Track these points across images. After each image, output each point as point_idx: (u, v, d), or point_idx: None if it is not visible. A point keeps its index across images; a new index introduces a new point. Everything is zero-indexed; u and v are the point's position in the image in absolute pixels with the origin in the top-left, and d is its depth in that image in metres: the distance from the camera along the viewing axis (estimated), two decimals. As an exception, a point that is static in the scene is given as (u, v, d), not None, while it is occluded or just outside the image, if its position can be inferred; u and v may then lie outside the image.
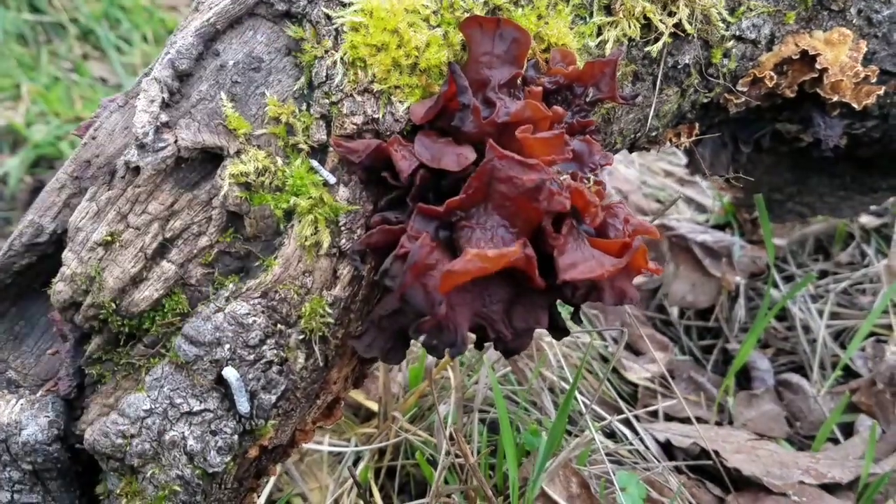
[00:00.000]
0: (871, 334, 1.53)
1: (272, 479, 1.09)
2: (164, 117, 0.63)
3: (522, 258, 0.59)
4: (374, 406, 1.22)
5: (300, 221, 0.64)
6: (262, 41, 0.67)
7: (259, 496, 0.88)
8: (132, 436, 0.63)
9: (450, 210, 0.63)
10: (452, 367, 1.19)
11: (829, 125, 0.91)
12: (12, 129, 2.19)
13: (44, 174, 2.15)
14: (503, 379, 1.31)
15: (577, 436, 1.21)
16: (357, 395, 1.25)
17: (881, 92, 0.88)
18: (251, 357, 0.63)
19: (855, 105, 0.88)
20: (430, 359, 1.21)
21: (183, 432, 0.63)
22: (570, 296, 0.64)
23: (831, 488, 1.19)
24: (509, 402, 1.27)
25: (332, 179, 0.66)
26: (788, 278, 1.71)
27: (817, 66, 0.84)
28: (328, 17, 0.65)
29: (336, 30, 0.65)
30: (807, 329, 1.58)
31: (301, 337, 0.65)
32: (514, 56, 0.67)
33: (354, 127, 0.66)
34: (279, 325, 0.64)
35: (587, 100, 0.69)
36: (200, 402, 0.62)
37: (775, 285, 1.64)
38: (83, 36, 2.64)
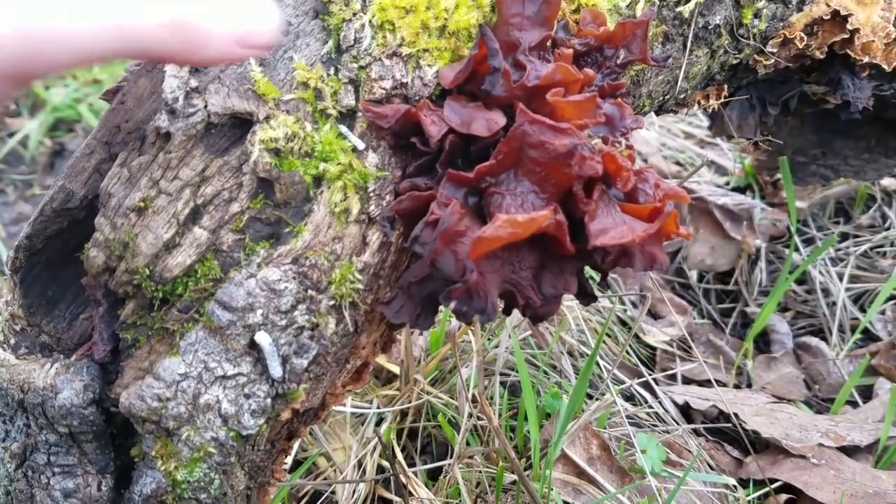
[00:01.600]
0: (891, 297, 1.53)
1: (298, 440, 1.11)
2: (193, 82, 0.63)
3: (553, 223, 0.59)
4: (395, 369, 1.24)
5: (329, 188, 0.64)
6: (290, 3, 0.66)
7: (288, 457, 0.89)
8: (168, 399, 0.64)
9: (480, 176, 0.62)
10: (473, 332, 1.20)
11: (858, 87, 0.90)
12: (31, 92, 2.18)
13: (63, 137, 2.15)
14: (523, 343, 1.32)
15: (597, 399, 1.22)
16: (379, 358, 1.26)
17: (913, 53, 0.87)
18: (283, 322, 0.63)
19: (885, 66, 0.87)
20: (453, 323, 1.22)
21: (217, 395, 0.63)
22: (601, 262, 0.64)
23: (850, 451, 1.20)
24: (529, 365, 1.28)
25: (360, 145, 0.65)
26: (808, 241, 1.70)
27: (849, 26, 0.82)
28: (358, -20, 0.64)
29: (364, -8, 0.65)
30: (826, 292, 1.58)
31: (332, 303, 0.65)
32: (544, 17, 0.66)
33: (383, 91, 0.65)
34: (310, 291, 0.64)
35: (618, 62, 0.68)
36: (234, 366, 0.63)
37: (796, 249, 1.63)
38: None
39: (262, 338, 0.63)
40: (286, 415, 0.66)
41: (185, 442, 0.64)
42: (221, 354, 0.63)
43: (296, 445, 1.07)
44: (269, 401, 0.64)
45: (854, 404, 1.36)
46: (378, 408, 1.19)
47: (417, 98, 0.66)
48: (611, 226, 0.61)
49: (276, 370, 0.64)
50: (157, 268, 0.63)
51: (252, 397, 0.64)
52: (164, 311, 0.65)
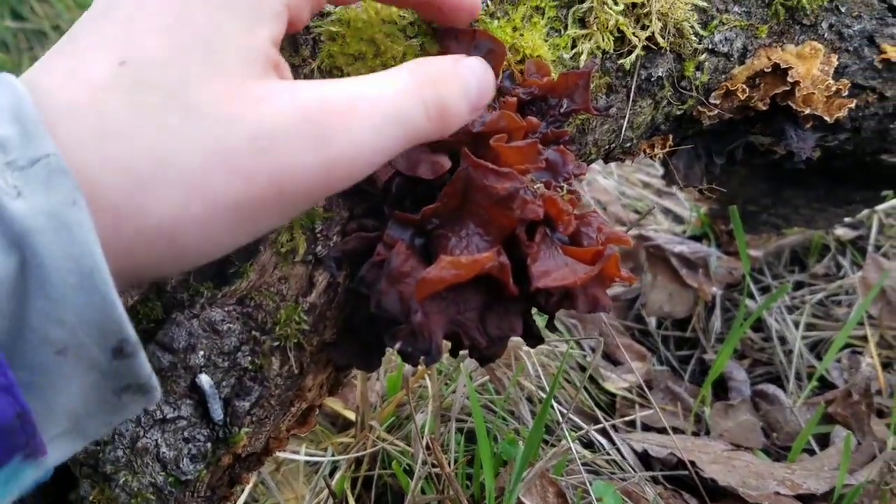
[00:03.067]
0: (847, 346, 1.55)
1: (247, 489, 1.09)
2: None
3: (496, 265, 0.60)
4: (351, 415, 1.22)
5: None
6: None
7: (234, 505, 0.87)
8: (105, 442, 0.63)
9: (425, 217, 0.63)
10: (430, 376, 1.19)
11: (801, 137, 0.93)
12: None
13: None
14: (481, 388, 1.31)
15: (554, 445, 1.22)
16: (334, 404, 1.25)
17: (853, 105, 0.90)
18: (225, 364, 0.63)
19: (827, 118, 0.90)
20: (408, 367, 1.21)
21: (156, 439, 0.62)
22: (544, 303, 0.64)
23: (806, 499, 1.21)
24: (487, 411, 1.27)
25: (308, 187, 0.66)
26: (765, 289, 1.73)
27: (789, 79, 0.85)
28: (306, 28, 0.65)
29: (314, 39, 0.66)
30: (783, 340, 1.60)
31: (276, 343, 0.65)
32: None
33: (331, 135, 0.66)
34: (254, 332, 0.64)
35: (561, 111, 0.69)
36: (174, 409, 0.62)
37: (751, 296, 1.65)
38: (64, 44, 2.63)
39: (204, 380, 0.62)
40: (227, 459, 0.65)
41: (123, 487, 0.63)
42: (162, 397, 0.62)
43: (245, 493, 1.05)
44: (209, 445, 0.64)
45: (811, 452, 1.37)
46: (332, 455, 1.18)
47: (365, 142, 0.67)
48: (553, 268, 0.62)
49: (217, 413, 0.63)
50: (97, 308, 0.63)
51: (192, 441, 0.63)
52: (104, 352, 0.64)
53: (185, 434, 0.63)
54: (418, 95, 0.49)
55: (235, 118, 0.43)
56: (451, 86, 0.52)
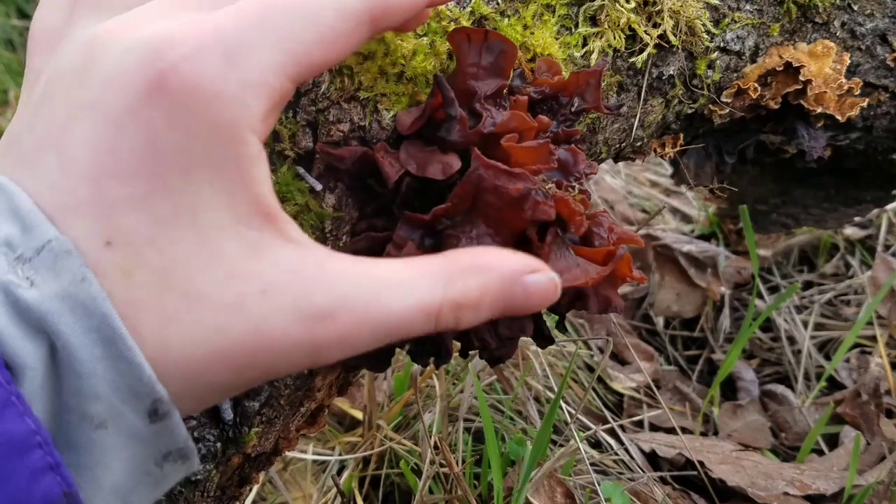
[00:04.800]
0: (856, 345, 1.54)
1: (255, 488, 1.08)
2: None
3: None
4: (358, 414, 1.22)
5: (285, 228, 0.64)
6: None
7: (242, 505, 0.87)
8: (114, 443, 0.63)
9: (436, 218, 0.63)
10: (438, 376, 1.19)
11: (812, 136, 0.92)
12: (1, 133, 2.18)
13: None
14: (488, 388, 1.31)
15: (562, 445, 1.21)
16: (342, 404, 1.25)
17: (864, 104, 0.89)
18: (235, 364, 0.62)
19: (838, 117, 0.89)
20: (416, 367, 1.21)
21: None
22: (555, 304, 0.64)
23: (815, 499, 1.20)
24: (494, 410, 1.27)
25: (318, 186, 0.66)
26: (773, 289, 1.72)
27: (801, 77, 0.85)
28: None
29: (323, 38, 0.65)
30: (791, 340, 1.59)
31: (285, 344, 0.64)
32: (500, 67, 0.67)
33: (341, 134, 0.66)
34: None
35: (572, 110, 0.69)
36: (183, 409, 0.62)
37: (760, 296, 1.65)
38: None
39: (213, 380, 0.62)
40: (237, 459, 0.65)
41: (132, 487, 0.63)
42: (171, 397, 0.62)
43: (253, 492, 1.05)
44: (219, 445, 0.63)
45: (820, 452, 1.36)
46: (340, 455, 1.17)
47: (375, 141, 0.67)
48: (564, 269, 0.61)
49: (227, 413, 0.63)
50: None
51: (202, 441, 0.63)
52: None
53: (195, 434, 0.62)
54: (433, 317, 0.44)
55: (237, 309, 0.42)
56: (482, 311, 0.46)
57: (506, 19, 0.70)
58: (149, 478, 0.42)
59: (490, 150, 0.65)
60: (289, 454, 1.16)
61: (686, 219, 1.92)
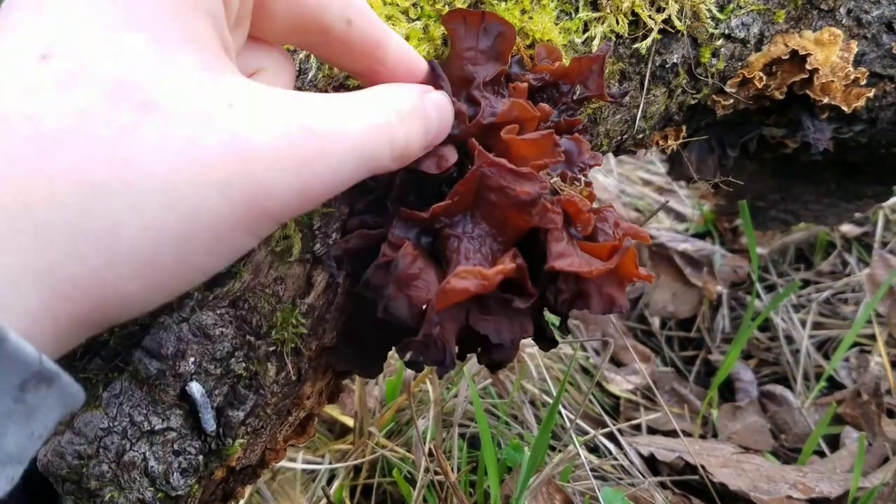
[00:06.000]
0: (855, 344, 1.52)
1: (243, 500, 1.04)
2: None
3: (515, 269, 0.56)
4: (349, 421, 1.18)
5: (271, 225, 0.60)
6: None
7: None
8: (89, 456, 0.58)
9: (434, 216, 0.59)
10: (431, 380, 1.15)
11: (818, 128, 0.89)
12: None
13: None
14: (483, 392, 1.27)
15: (560, 451, 1.18)
16: (332, 411, 1.21)
17: (871, 95, 0.86)
18: (218, 371, 0.58)
19: (844, 108, 0.86)
20: (409, 371, 1.17)
21: (144, 452, 0.58)
22: (555, 302, 0.60)
23: (819, 503, 1.17)
24: (490, 415, 1.23)
25: (305, 181, 0.62)
26: (770, 287, 1.69)
27: (808, 66, 0.82)
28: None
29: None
30: (790, 339, 1.56)
31: (272, 349, 0.60)
32: (498, 52, 0.63)
33: (329, 125, 0.62)
34: (248, 337, 0.59)
35: (574, 98, 0.65)
36: (163, 419, 0.58)
37: (757, 295, 1.62)
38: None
39: (195, 388, 0.58)
40: (220, 473, 0.61)
41: (109, 504, 0.59)
42: (149, 407, 0.57)
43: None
44: (201, 458, 0.59)
45: (821, 454, 1.34)
46: (330, 463, 1.13)
47: (366, 132, 0.63)
48: (564, 251, 0.57)
49: (209, 423, 0.58)
50: (79, 312, 0.58)
51: (182, 454, 0.58)
52: (87, 360, 0.60)
53: (175, 446, 0.58)
54: (388, 134, 0.49)
55: (205, 119, 0.38)
56: (416, 125, 0.52)
57: (503, 3, 0.66)
58: (12, 417, 0.35)
59: (489, 141, 0.61)
60: (277, 463, 1.12)
61: (680, 217, 1.90)
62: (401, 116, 0.50)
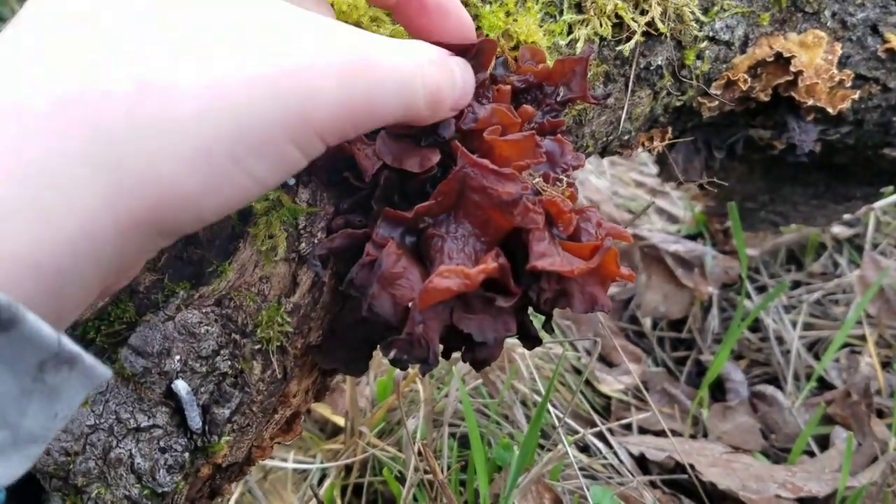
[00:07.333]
0: (845, 345, 1.53)
1: (234, 498, 1.05)
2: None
3: (497, 268, 0.56)
4: (340, 421, 1.19)
5: (256, 224, 0.61)
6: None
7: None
8: (76, 453, 0.59)
9: (418, 216, 0.59)
10: (422, 380, 1.16)
11: (803, 130, 0.90)
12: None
13: None
14: (474, 391, 1.28)
15: (549, 450, 1.18)
16: (323, 410, 1.21)
17: (856, 97, 0.87)
18: (203, 369, 0.59)
19: (830, 109, 0.87)
20: (399, 371, 1.18)
21: (130, 449, 0.58)
22: (538, 300, 0.61)
23: (808, 502, 1.18)
24: (480, 415, 1.24)
25: (291, 181, 0.62)
26: (761, 288, 1.70)
27: (792, 68, 0.82)
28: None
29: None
30: (780, 340, 1.57)
31: (258, 347, 0.61)
32: (479, 63, 0.64)
33: (315, 126, 0.62)
34: (234, 335, 0.60)
35: (557, 99, 0.66)
36: (148, 417, 0.58)
37: (748, 296, 1.62)
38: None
39: (180, 386, 0.58)
40: (206, 470, 0.62)
41: (96, 500, 0.59)
42: (135, 404, 0.58)
43: (231, 502, 1.01)
44: (187, 455, 0.60)
45: (811, 453, 1.34)
46: (321, 463, 1.14)
47: (351, 133, 0.64)
48: (546, 251, 0.58)
49: (195, 421, 0.59)
50: (66, 311, 0.59)
51: (168, 451, 0.59)
52: (74, 357, 0.60)
53: (161, 444, 0.59)
54: (421, 76, 0.50)
55: (260, 45, 0.41)
56: (444, 74, 0.54)
57: (488, 6, 0.67)
58: (32, 397, 0.35)
59: (473, 144, 0.61)
60: (269, 462, 1.13)
61: (672, 219, 1.90)
62: (431, 62, 0.52)
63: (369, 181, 0.62)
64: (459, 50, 0.59)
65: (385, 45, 0.48)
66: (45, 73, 0.36)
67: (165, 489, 0.59)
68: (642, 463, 1.26)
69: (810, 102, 0.85)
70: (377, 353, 0.65)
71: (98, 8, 0.38)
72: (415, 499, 1.07)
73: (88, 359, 0.37)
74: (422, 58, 0.51)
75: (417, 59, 0.50)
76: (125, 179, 0.36)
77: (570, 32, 0.70)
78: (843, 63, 0.89)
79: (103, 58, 0.37)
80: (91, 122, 0.36)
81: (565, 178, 0.63)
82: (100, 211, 0.36)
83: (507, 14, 0.67)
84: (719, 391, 1.49)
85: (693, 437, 1.37)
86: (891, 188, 1.28)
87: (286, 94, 0.41)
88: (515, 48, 0.67)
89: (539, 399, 1.27)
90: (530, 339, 0.65)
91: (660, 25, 0.72)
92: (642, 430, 1.36)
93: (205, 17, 0.41)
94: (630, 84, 0.75)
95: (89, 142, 0.35)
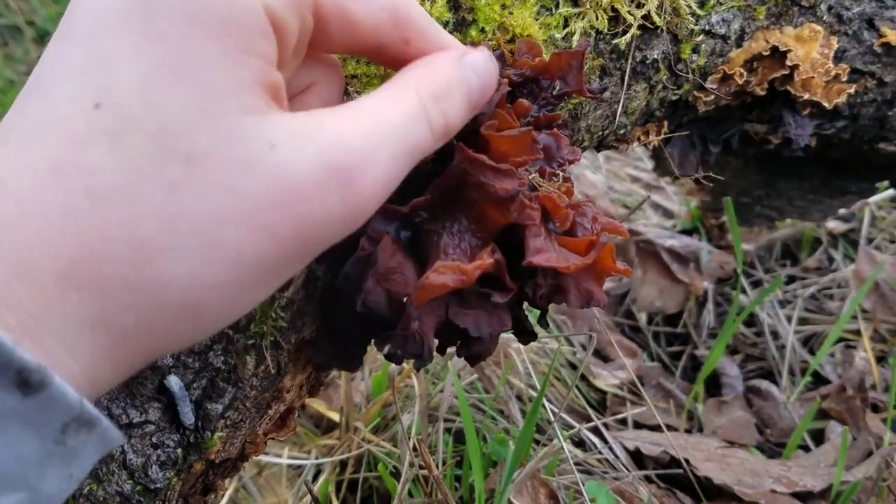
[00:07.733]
0: (840, 340, 1.53)
1: (228, 493, 1.04)
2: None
3: (493, 264, 0.56)
4: (335, 416, 1.18)
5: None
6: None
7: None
8: (68, 450, 0.58)
9: (413, 210, 0.59)
10: (417, 375, 1.15)
11: (799, 124, 0.90)
12: None
13: None
14: (469, 387, 1.28)
15: (545, 445, 1.18)
16: (318, 406, 1.21)
17: (852, 91, 0.87)
18: (196, 364, 0.59)
19: (825, 104, 0.87)
20: (394, 366, 1.18)
21: (122, 445, 0.58)
22: (533, 296, 0.60)
23: (803, 496, 1.18)
24: (476, 410, 1.24)
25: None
26: (756, 283, 1.70)
27: (788, 62, 0.82)
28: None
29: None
30: (775, 335, 1.57)
31: (251, 342, 0.60)
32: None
33: (309, 119, 0.62)
34: (227, 330, 0.60)
35: (554, 93, 0.66)
36: (141, 413, 0.58)
37: (743, 291, 1.63)
38: (39, 39, 2.57)
39: (173, 381, 0.58)
40: (199, 466, 0.61)
41: (88, 497, 0.59)
42: (127, 400, 0.58)
43: (225, 498, 1.01)
44: (179, 451, 0.59)
45: (806, 448, 1.34)
46: (316, 458, 1.13)
47: (345, 127, 0.63)
48: (542, 247, 0.58)
49: (187, 417, 0.59)
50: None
51: (161, 447, 0.59)
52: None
53: (154, 439, 0.58)
54: (425, 117, 0.48)
55: (246, 166, 0.39)
56: (455, 98, 0.51)
57: (483, -1, 0.66)
58: (52, 459, 0.36)
59: (469, 140, 0.61)
60: (263, 458, 1.12)
61: (668, 214, 1.90)
62: (435, 98, 0.49)
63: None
64: None
65: (377, 115, 0.45)
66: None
67: (158, 485, 0.59)
68: (637, 458, 1.26)
69: (806, 97, 0.85)
70: (372, 349, 0.65)
71: (94, 163, 0.38)
72: (410, 494, 1.06)
73: (105, 422, 0.38)
74: (421, 99, 0.48)
75: (414, 104, 0.48)
76: (120, 335, 0.38)
77: (566, 26, 0.69)
78: (839, 57, 0.89)
79: (99, 221, 0.37)
80: (89, 284, 0.37)
81: (561, 173, 0.63)
82: (100, 360, 0.39)
83: (503, 7, 0.66)
84: (714, 386, 1.49)
85: (688, 431, 1.38)
86: (886, 183, 1.27)
87: (283, 230, 0.40)
88: (511, 41, 0.67)
89: (534, 394, 1.26)
90: (526, 334, 0.65)
91: (656, 19, 0.72)
92: (637, 425, 1.36)
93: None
94: (626, 78, 0.74)
95: (89, 303, 0.37)
